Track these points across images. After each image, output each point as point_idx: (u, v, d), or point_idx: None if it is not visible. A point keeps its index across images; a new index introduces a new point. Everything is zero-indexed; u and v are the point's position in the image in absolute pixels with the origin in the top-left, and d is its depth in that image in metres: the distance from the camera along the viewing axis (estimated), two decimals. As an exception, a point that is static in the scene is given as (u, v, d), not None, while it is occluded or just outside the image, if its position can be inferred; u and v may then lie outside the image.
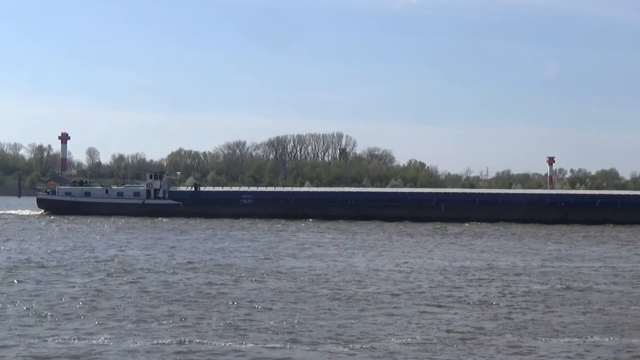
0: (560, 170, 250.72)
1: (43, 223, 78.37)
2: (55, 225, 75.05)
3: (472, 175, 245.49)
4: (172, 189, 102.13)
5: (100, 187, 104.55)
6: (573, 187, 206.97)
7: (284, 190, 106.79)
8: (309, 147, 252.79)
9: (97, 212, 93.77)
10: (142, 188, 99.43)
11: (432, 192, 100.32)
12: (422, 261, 42.81)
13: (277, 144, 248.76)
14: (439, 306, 27.15)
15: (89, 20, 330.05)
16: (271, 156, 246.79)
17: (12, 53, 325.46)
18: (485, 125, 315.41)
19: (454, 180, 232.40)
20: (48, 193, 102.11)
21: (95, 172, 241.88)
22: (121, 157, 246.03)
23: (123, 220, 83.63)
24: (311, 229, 72.97)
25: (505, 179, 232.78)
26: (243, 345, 20.52)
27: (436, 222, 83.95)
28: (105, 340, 20.82)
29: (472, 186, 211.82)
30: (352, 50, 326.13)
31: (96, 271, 35.94)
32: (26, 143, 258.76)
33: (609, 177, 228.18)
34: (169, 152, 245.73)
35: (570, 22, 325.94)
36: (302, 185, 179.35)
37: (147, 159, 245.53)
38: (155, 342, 20.74)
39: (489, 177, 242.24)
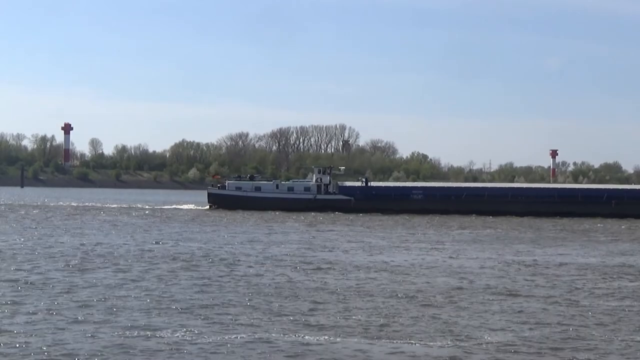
0: (563, 163, 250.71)
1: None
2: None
3: (474, 167, 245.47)
4: (341, 184, 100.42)
5: (270, 182, 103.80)
6: (576, 181, 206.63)
7: (455, 185, 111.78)
8: (311, 139, 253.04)
9: (267, 207, 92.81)
10: (312, 183, 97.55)
11: (602, 189, 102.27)
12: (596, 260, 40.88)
13: (280, 136, 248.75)
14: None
15: (92, 12, 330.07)
16: (274, 148, 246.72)
17: (15, 45, 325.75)
18: (488, 118, 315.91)
19: (457, 172, 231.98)
20: (218, 187, 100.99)
21: (98, 162, 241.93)
22: (124, 148, 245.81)
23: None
24: (472, 226, 70.84)
25: (508, 171, 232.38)
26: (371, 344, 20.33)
27: (604, 219, 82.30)
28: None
29: (475, 179, 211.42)
30: (355, 42, 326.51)
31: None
32: (29, 133, 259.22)
33: (612, 170, 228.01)
34: (172, 144, 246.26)
35: (573, 14, 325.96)
36: (304, 176, 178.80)
37: (150, 150, 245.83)
38: (259, 336, 20.58)
39: (491, 170, 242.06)
